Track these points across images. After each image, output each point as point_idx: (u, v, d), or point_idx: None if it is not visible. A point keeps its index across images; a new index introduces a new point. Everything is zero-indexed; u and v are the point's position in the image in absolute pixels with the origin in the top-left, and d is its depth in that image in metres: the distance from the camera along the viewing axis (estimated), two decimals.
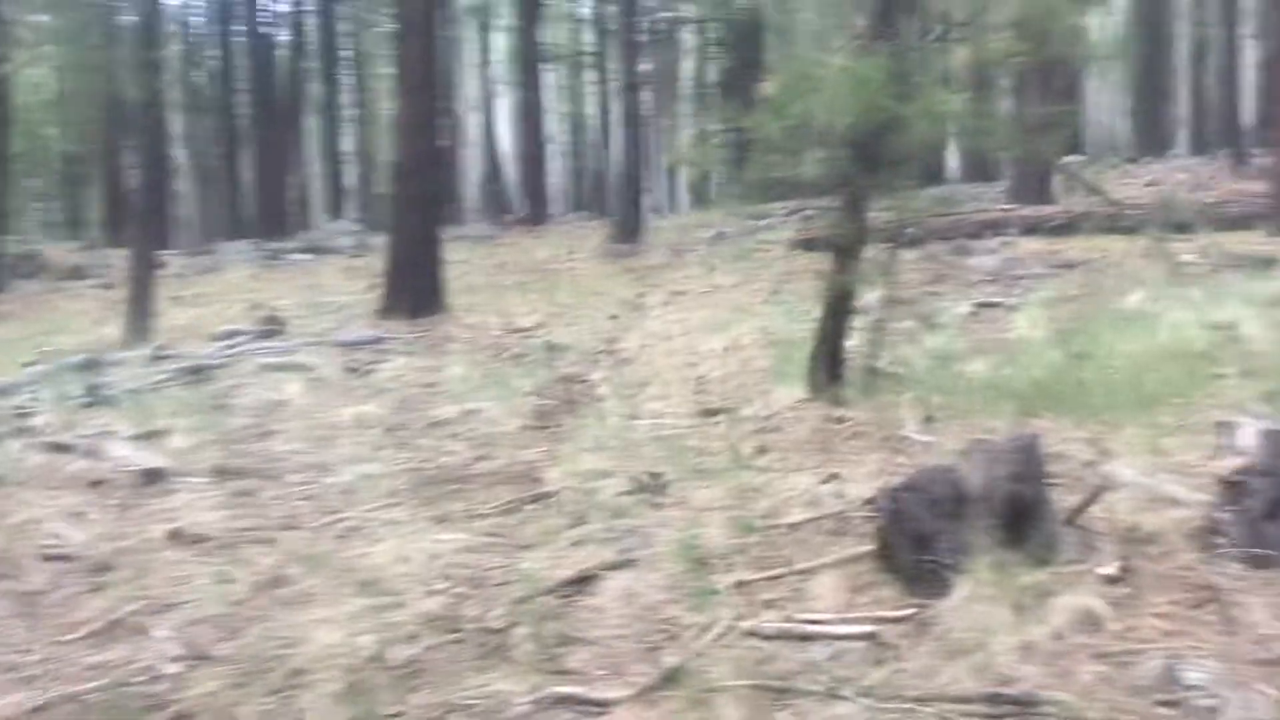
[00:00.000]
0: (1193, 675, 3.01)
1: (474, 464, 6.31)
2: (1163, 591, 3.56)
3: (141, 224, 12.46)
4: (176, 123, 35.15)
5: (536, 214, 25.76)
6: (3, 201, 21.59)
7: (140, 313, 12.03)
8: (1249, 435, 3.92)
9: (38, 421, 8.26)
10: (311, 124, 38.43)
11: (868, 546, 3.93)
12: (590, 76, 42.22)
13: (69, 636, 4.13)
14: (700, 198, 44.89)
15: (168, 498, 6.04)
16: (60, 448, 7.31)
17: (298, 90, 31.12)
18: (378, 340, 11.20)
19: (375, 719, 3.19)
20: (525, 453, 6.45)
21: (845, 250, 6.39)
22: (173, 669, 3.73)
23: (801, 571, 3.91)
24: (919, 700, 3.05)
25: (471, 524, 4.97)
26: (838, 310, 6.57)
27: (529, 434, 7.10)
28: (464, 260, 18.70)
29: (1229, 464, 3.87)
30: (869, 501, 4.41)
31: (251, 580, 4.49)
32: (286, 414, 8.38)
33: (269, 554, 4.84)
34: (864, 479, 4.81)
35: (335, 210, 33.70)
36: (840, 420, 6.00)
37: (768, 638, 3.49)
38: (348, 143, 40.27)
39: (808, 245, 16.65)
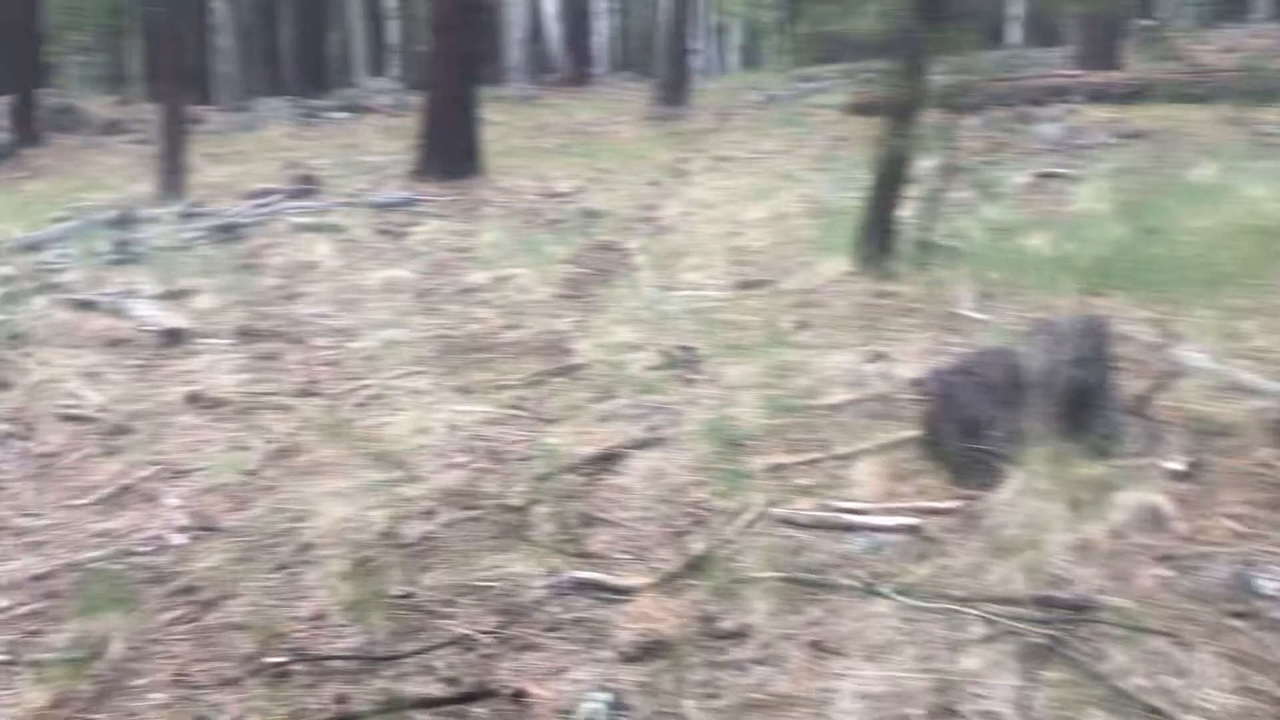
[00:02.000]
0: (1268, 583, 2.75)
1: (502, 333, 6.07)
2: (1236, 489, 3.28)
3: (174, 79, 12.10)
4: None
5: (579, 74, 25.04)
6: (40, 54, 21.23)
7: (172, 169, 11.78)
8: None
9: (65, 278, 8.11)
10: None
11: (913, 432, 3.66)
12: None
13: (79, 501, 4.00)
14: (749, 59, 43.68)
15: (188, 359, 5.88)
16: (84, 305, 7.16)
17: None
18: (411, 202, 10.91)
19: (382, 598, 3.01)
20: (555, 323, 6.20)
21: (902, 112, 5.96)
22: (179, 540, 3.58)
23: (840, 457, 3.66)
24: (964, 601, 2.82)
25: (496, 395, 4.75)
26: (891, 177, 6.17)
27: (560, 303, 6.84)
28: (502, 121, 18.20)
29: None
30: (916, 383, 4.13)
31: (266, 448, 4.33)
32: (315, 276, 8.17)
33: (286, 421, 4.66)
34: (912, 359, 4.52)
35: (376, 68, 32.98)
36: (888, 295, 5.67)
37: (801, 526, 3.26)
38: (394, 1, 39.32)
39: (862, 109, 16.00)
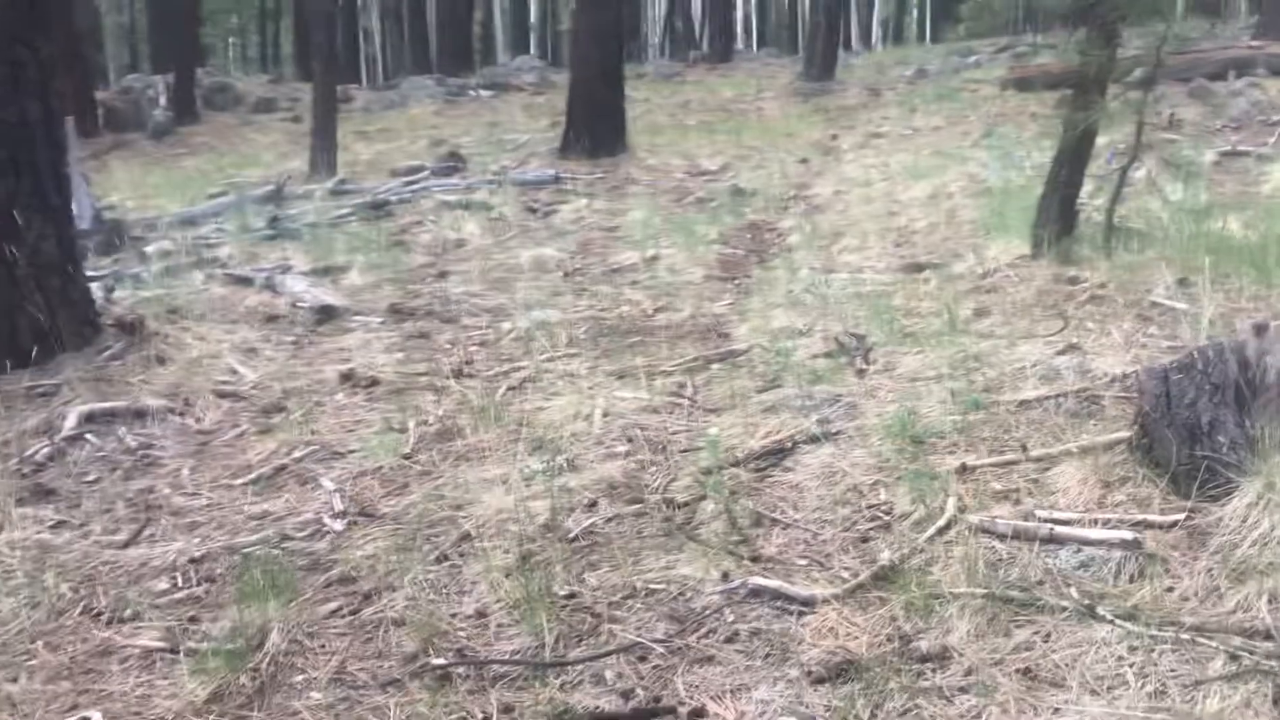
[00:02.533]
0: None
1: (656, 315, 5.87)
2: None
3: (325, 59, 12.25)
4: None
5: (723, 50, 24.65)
6: (197, 36, 21.94)
7: (323, 146, 11.94)
8: None
9: (221, 253, 8.25)
10: None
11: (1122, 433, 3.30)
12: None
13: (236, 481, 3.94)
14: (894, 34, 42.48)
15: (342, 336, 5.85)
16: (240, 280, 7.23)
17: None
18: (557, 180, 10.80)
19: (547, 598, 2.83)
20: (711, 305, 5.97)
21: (1090, 85, 5.50)
22: (337, 525, 3.47)
23: (1039, 459, 3.33)
24: (1199, 630, 2.48)
25: (654, 381, 4.53)
26: (1075, 154, 5.73)
27: (714, 285, 6.60)
28: (646, 99, 18.04)
29: None
30: (1121, 379, 3.75)
31: (421, 431, 4.20)
32: (464, 254, 8.12)
33: (441, 403, 4.54)
34: (1110, 351, 4.13)
35: (519, 46, 33.22)
36: (1074, 281, 5.25)
37: (1001, 536, 2.95)
38: None
39: (1021, 84, 15.32)
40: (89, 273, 7.69)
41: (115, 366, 5.02)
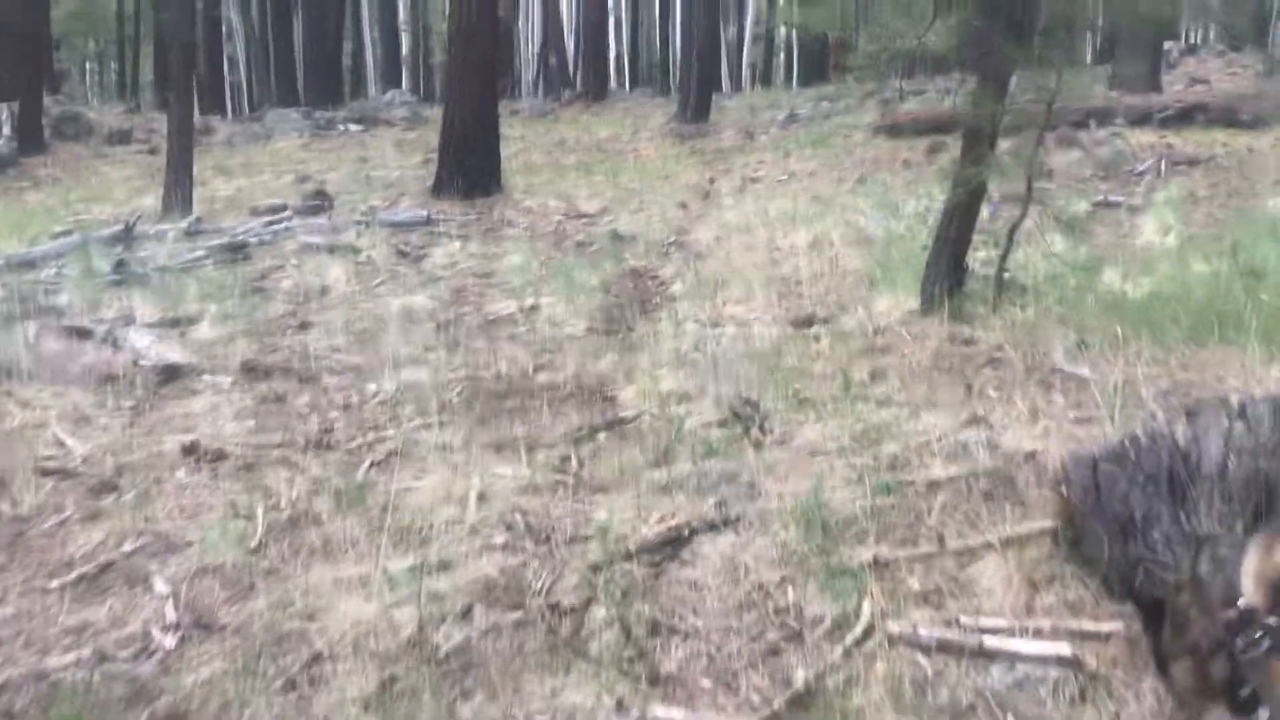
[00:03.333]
0: None
1: (536, 375, 5.49)
2: None
3: (183, 90, 11.56)
4: None
5: (597, 89, 24.49)
6: (46, 60, 20.75)
7: (178, 183, 11.23)
8: None
9: (59, 300, 7.56)
10: None
11: (1045, 523, 3.06)
12: None
13: (52, 584, 3.40)
14: (765, 76, 43.11)
15: (188, 400, 5.31)
16: (78, 333, 6.58)
17: None
18: (429, 221, 10.34)
19: None
20: (594, 363, 5.61)
21: (979, 136, 5.37)
22: (168, 641, 2.99)
23: (958, 552, 3.06)
24: None
25: (535, 454, 4.16)
26: (965, 209, 5.58)
27: (597, 339, 6.26)
28: (521, 137, 17.69)
29: None
30: (1032, 457, 3.53)
31: (272, 518, 3.73)
32: (328, 302, 7.62)
33: (294, 481, 4.07)
34: (1017, 424, 3.92)
35: (390, 80, 32.53)
36: (969, 342, 5.07)
37: (925, 649, 2.66)
38: (403, 10, 38.89)
39: (892, 130, 15.47)
40: None
41: None
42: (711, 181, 12.84)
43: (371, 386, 5.31)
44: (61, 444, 4.59)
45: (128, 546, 3.63)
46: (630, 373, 5.30)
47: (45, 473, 4.30)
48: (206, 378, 5.64)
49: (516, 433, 4.42)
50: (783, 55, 45.62)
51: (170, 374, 5.64)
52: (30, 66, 18.88)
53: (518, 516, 3.60)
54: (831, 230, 9.08)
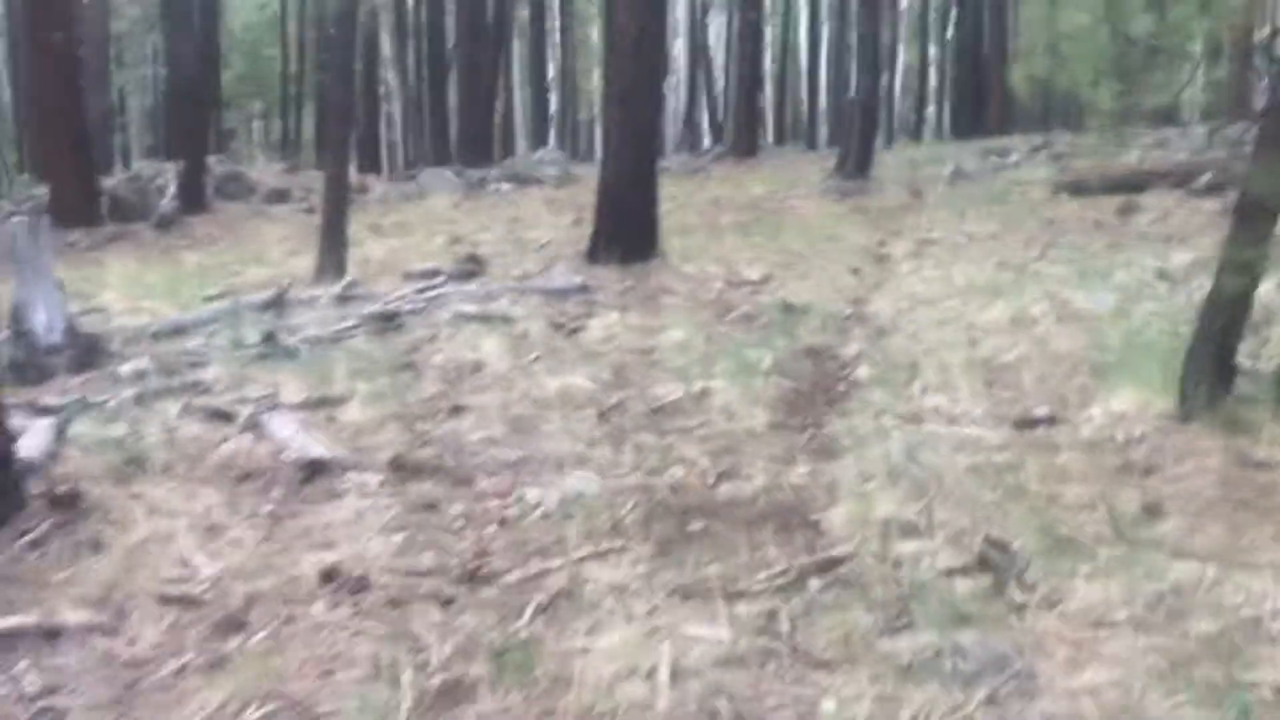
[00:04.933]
0: None
1: (719, 484, 4.75)
2: None
3: (336, 153, 11.34)
4: (386, 46, 34.83)
5: (748, 145, 23.88)
6: (211, 121, 21.26)
7: (332, 247, 10.98)
8: None
9: (205, 375, 7.19)
10: (516, 48, 37.53)
11: None
12: None
13: None
14: (915, 128, 41.90)
15: (330, 504, 4.74)
16: (219, 416, 6.17)
17: (505, 13, 29.96)
18: (585, 289, 9.77)
19: None
20: (786, 472, 4.84)
21: (1260, 209, 4.44)
22: None
23: None
24: None
25: (733, 607, 3.40)
26: (1236, 297, 4.64)
27: (783, 437, 5.49)
28: (672, 196, 17.06)
29: None
30: None
31: (420, 686, 3.06)
32: (482, 381, 7.04)
33: (446, 630, 3.41)
34: None
35: (538, 138, 32.68)
36: (1263, 465, 4.12)
37: None
38: (551, 68, 39.25)
39: (1076, 188, 14.36)
40: (50, 400, 6.68)
41: (34, 559, 3.94)
42: (882, 244, 11.98)
43: (532, 495, 4.65)
44: (188, 563, 4.04)
45: (251, 714, 3.01)
46: (832, 489, 4.51)
47: (168, 600, 3.75)
48: (352, 476, 5.07)
49: (708, 572, 3.68)
50: (933, 107, 44.39)
51: (314, 470, 5.09)
52: (198, 128, 19.32)
53: (723, 703, 2.84)
54: (1032, 304, 8.14)
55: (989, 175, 17.88)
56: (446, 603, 3.65)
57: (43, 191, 17.15)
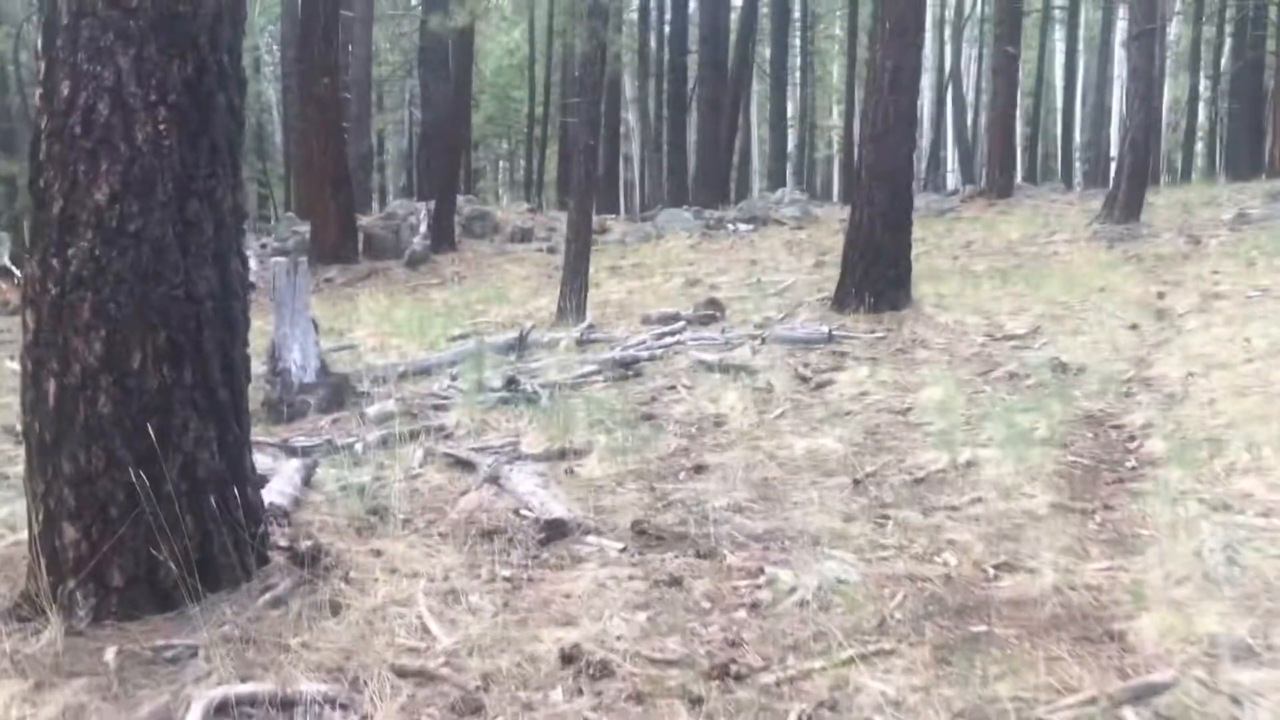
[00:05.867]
0: None
1: (999, 577, 4.18)
2: None
3: (581, 196, 11.29)
4: (627, 87, 35.47)
5: (1002, 185, 22.72)
6: (458, 163, 22.03)
7: (574, 290, 10.98)
8: None
9: (448, 419, 7.17)
10: (754, 86, 37.44)
11: None
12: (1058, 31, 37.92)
13: None
14: (1184, 168, 39.05)
15: (571, 572, 4.46)
16: (461, 464, 6.08)
17: (747, 51, 29.87)
18: (830, 338, 9.30)
19: None
20: (1078, 566, 4.22)
21: None
22: None
23: None
24: None
25: None
26: None
27: (1068, 521, 4.85)
28: (921, 239, 16.32)
29: None
30: None
31: None
32: (724, 436, 6.70)
33: None
34: None
35: (775, 178, 32.36)
36: None
37: None
38: (791, 107, 38.92)
39: None
40: (301, 439, 6.79)
41: (273, 618, 3.81)
42: (1161, 296, 10.92)
43: (785, 577, 4.22)
44: (426, 631, 3.83)
45: None
46: (1138, 592, 3.87)
47: (404, 674, 3.53)
48: (593, 540, 4.80)
49: (997, 690, 3.15)
50: (1201, 145, 41.29)
51: (554, 531, 4.85)
52: (449, 169, 20.06)
53: None
54: None
55: (1278, 221, 16.21)
56: (695, 702, 3.27)
57: (304, 229, 18.15)
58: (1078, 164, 40.59)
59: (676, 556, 4.59)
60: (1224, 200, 20.03)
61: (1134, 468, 5.75)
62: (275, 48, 32.75)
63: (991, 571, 4.22)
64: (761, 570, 4.35)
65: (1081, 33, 39.00)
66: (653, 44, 35.97)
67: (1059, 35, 38.64)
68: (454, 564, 4.49)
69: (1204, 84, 37.72)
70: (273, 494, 5.28)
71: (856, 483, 5.61)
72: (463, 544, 4.73)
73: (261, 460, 6.22)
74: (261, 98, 36.15)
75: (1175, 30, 36.33)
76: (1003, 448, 5.95)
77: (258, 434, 7.37)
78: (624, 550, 4.67)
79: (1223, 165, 35.13)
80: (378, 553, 4.52)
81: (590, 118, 10.87)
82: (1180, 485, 5.25)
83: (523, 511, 5.15)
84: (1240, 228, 15.92)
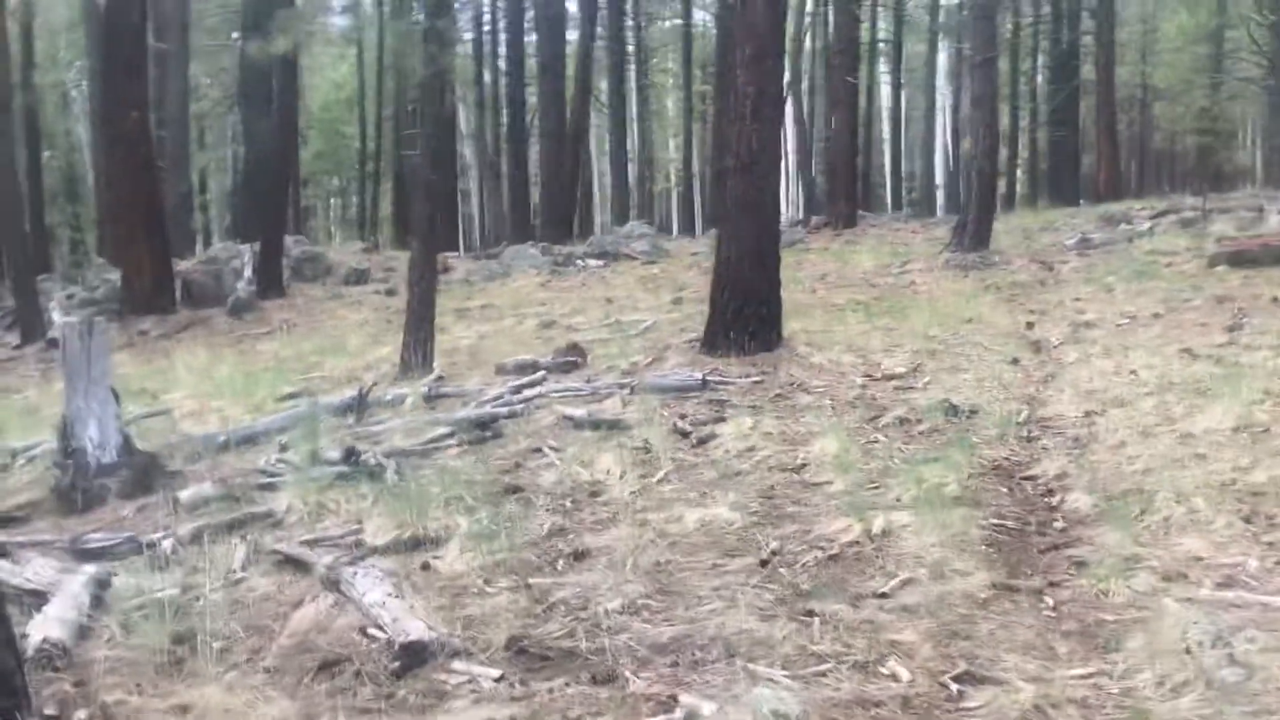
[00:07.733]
0: None
1: (962, 696, 3.46)
2: None
3: (423, 237, 10.29)
4: (462, 120, 34.51)
5: (847, 215, 22.68)
6: (284, 203, 20.66)
7: (419, 340, 9.98)
8: None
9: (278, 503, 6.10)
10: (594, 121, 36.98)
11: None
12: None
13: None
14: (1006, 196, 40.35)
15: (436, 714, 3.54)
16: (294, 564, 5.06)
17: (586, 82, 29.31)
18: (705, 385, 8.57)
19: None
20: (1050, 670, 3.54)
21: None
22: None
23: None
24: None
25: None
26: None
27: (1015, 606, 4.19)
28: None
29: None
30: None
31: None
32: (603, 511, 5.85)
33: None
34: None
35: (621, 212, 31.83)
36: None
37: None
38: (630, 141, 38.62)
39: (1235, 259, 12.91)
40: (95, 537, 5.65)
41: None
42: (1030, 327, 10.64)
43: (708, 712, 3.40)
44: None
45: None
46: (1138, 709, 3.19)
47: None
48: (461, 666, 3.88)
49: None
50: (1020, 173, 42.81)
51: (412, 658, 3.91)
52: (275, 208, 18.71)
53: None
54: (1255, 405, 6.76)
55: (1121, 245, 16.46)
56: None
57: (115, 276, 16.54)
58: (904, 193, 41.53)
59: (567, 684, 3.71)
60: (1060, 225, 20.37)
61: (1063, 529, 5.17)
62: (84, 84, 30.56)
63: (954, 687, 3.49)
64: (675, 699, 3.52)
65: (904, 65, 39.94)
66: (487, 76, 35.13)
67: (883, 68, 39.48)
68: (285, 717, 3.51)
69: (1023, 114, 39.07)
70: (50, 623, 4.22)
71: (764, 564, 4.85)
72: (296, 684, 3.76)
73: (42, 569, 5.12)
74: (70, 136, 33.65)
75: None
76: (917, 511, 5.30)
77: (43, 530, 6.22)
78: (501, 679, 3.77)
79: (1045, 192, 36.37)
80: (184, 709, 3.50)
81: (432, 149, 9.94)
82: (1120, 549, 4.69)
83: (371, 630, 4.19)
84: (1086, 253, 16.07)
